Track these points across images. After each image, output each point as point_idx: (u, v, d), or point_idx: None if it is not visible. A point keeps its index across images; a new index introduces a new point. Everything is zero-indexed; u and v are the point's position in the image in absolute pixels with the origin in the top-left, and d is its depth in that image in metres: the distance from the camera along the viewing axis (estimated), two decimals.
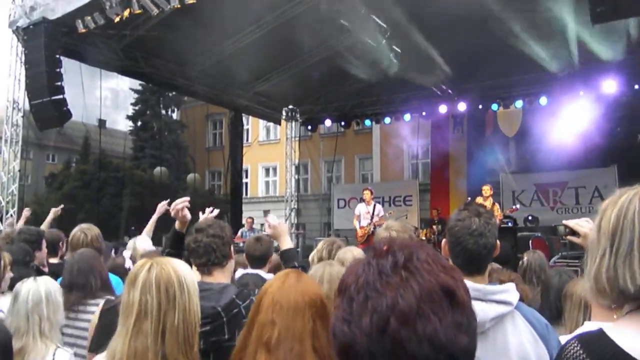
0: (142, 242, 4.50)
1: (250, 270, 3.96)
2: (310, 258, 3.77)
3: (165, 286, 1.85)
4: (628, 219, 1.21)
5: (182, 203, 2.93)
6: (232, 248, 2.66)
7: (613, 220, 1.23)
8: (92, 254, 3.57)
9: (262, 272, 3.87)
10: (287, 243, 3.03)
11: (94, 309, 3.16)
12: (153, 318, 1.82)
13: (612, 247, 1.21)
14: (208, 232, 2.58)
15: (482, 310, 1.90)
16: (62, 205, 7.30)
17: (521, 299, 2.15)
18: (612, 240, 1.22)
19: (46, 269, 4.33)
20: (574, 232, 2.09)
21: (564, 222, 2.16)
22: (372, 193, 12.09)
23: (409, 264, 0.91)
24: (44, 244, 4.44)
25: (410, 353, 0.84)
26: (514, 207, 12.82)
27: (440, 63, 12.29)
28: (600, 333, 1.20)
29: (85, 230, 4.21)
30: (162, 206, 4.91)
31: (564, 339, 1.47)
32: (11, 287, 2.89)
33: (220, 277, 2.58)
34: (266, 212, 26.01)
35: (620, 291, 1.19)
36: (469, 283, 1.91)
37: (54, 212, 6.82)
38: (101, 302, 3.18)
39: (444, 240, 2.15)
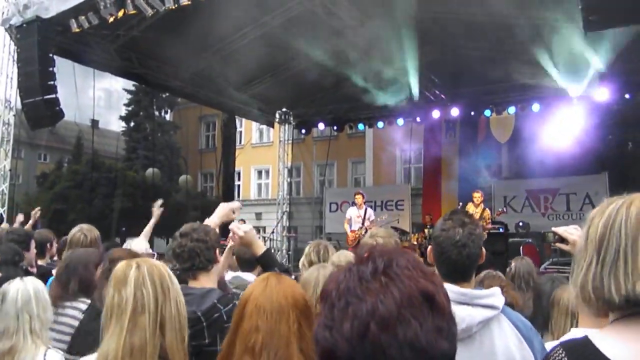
0: (139, 244, 4.43)
1: (240, 274, 3.96)
2: (300, 264, 3.77)
3: (159, 279, 1.90)
4: (615, 228, 1.21)
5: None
6: (217, 252, 2.66)
7: (600, 229, 1.24)
8: (85, 258, 3.46)
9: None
10: (260, 247, 2.88)
11: (71, 312, 3.15)
12: (150, 311, 1.85)
13: (598, 257, 1.22)
14: (192, 236, 2.59)
15: (470, 315, 1.93)
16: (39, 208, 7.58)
17: (511, 305, 2.16)
18: (598, 249, 1.22)
19: (34, 270, 4.29)
20: (562, 240, 2.10)
21: (553, 229, 2.18)
22: (363, 197, 12.07)
23: (388, 270, 0.92)
24: (33, 245, 4.41)
25: (390, 358, 0.85)
26: (500, 209, 12.84)
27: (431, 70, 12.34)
28: (585, 340, 1.20)
29: (85, 231, 4.16)
30: (158, 209, 4.91)
31: (550, 345, 1.48)
32: None
33: (206, 282, 2.58)
34: (258, 215, 25.98)
35: (606, 301, 1.19)
36: (455, 287, 1.96)
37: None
38: (79, 305, 3.17)
39: (429, 247, 2.20)
